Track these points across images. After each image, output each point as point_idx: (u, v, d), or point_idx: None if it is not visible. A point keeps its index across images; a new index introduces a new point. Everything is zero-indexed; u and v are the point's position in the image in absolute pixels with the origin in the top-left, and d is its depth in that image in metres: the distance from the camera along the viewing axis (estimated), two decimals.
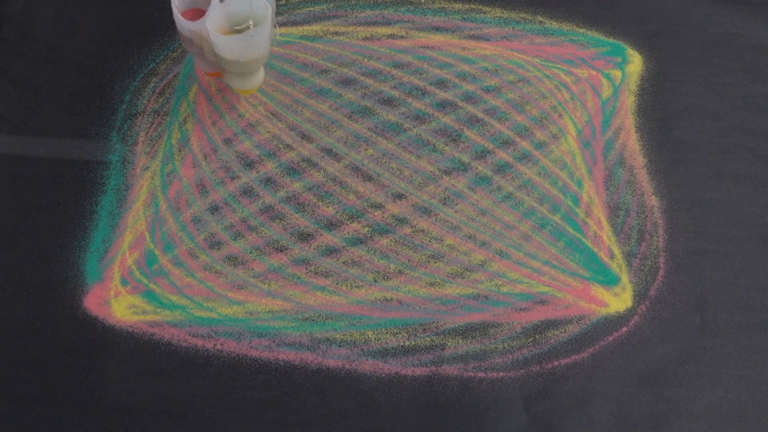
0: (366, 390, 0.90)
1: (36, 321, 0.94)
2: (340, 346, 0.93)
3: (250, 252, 0.99)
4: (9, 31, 1.16)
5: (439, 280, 0.97)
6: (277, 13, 1.19)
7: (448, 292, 0.96)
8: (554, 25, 1.17)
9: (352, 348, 0.93)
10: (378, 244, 1.00)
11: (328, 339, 0.93)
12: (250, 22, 0.95)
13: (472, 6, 1.20)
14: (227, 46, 0.97)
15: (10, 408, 0.89)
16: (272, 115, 1.10)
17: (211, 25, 0.96)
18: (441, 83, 1.12)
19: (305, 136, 1.08)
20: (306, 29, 1.18)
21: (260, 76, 1.07)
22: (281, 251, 0.99)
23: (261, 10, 0.97)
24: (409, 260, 0.99)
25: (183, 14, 1.01)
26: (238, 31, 0.98)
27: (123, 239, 1.00)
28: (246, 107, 1.10)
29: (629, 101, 1.11)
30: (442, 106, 1.11)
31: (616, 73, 1.13)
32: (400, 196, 1.03)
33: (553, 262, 0.98)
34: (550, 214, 1.02)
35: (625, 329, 0.94)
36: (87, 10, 1.19)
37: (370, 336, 0.93)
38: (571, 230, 1.01)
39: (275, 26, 1.02)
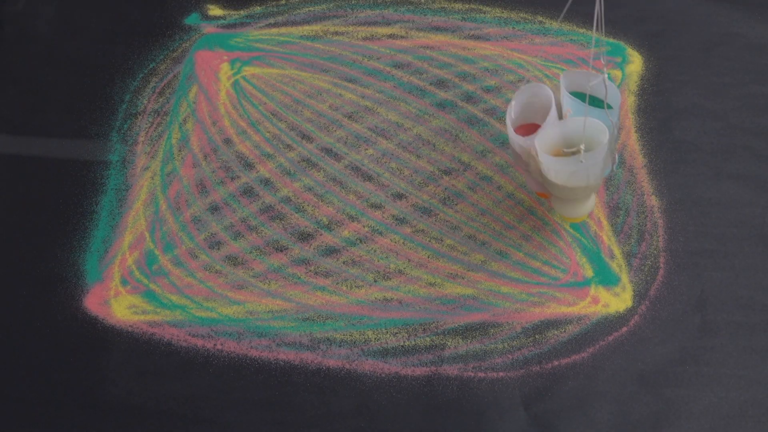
0: (366, 390, 0.90)
1: (36, 321, 0.94)
2: (340, 346, 0.93)
3: (250, 252, 0.99)
4: (9, 31, 1.16)
5: (439, 280, 0.97)
6: (278, 13, 1.19)
7: (448, 292, 0.96)
8: (554, 25, 1.17)
9: (352, 348, 0.93)
10: (378, 244, 1.00)
11: (328, 339, 0.93)
12: (582, 146, 0.86)
13: (472, 6, 1.20)
14: (554, 168, 0.87)
15: (11, 408, 0.89)
16: (272, 115, 1.10)
17: (541, 144, 0.87)
18: (441, 83, 1.12)
19: (305, 136, 1.08)
20: (306, 29, 1.18)
21: (590, 204, 0.95)
22: (281, 251, 0.99)
23: (597, 134, 0.87)
24: (409, 260, 0.99)
25: (518, 128, 0.93)
26: (568, 154, 0.88)
27: (123, 239, 1.00)
28: (246, 107, 1.10)
29: (629, 101, 1.11)
30: (442, 106, 1.11)
31: (616, 73, 1.13)
32: (400, 196, 1.03)
33: (553, 262, 0.98)
34: (550, 213, 1.02)
35: (625, 329, 0.94)
36: (87, 10, 1.19)
37: (370, 336, 0.93)
38: (570, 230, 1.01)
39: (615, 155, 0.92)
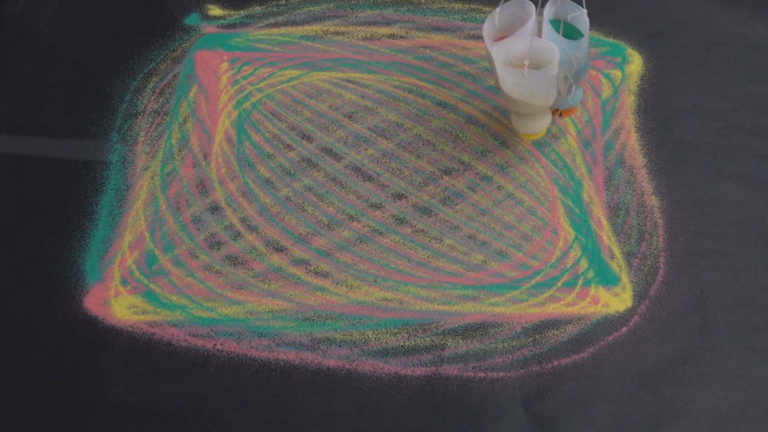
0: (366, 390, 0.90)
1: (36, 321, 0.94)
2: (340, 346, 0.93)
3: (250, 252, 0.99)
4: (9, 31, 1.16)
5: (438, 280, 0.97)
6: (278, 13, 1.19)
7: (448, 292, 0.96)
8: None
9: (352, 348, 0.93)
10: (378, 244, 1.00)
11: (328, 339, 0.93)
12: (526, 62, 0.91)
13: (472, 6, 1.20)
14: (501, 76, 0.93)
15: (11, 408, 0.89)
16: (272, 115, 1.10)
17: (501, 53, 0.92)
18: (441, 83, 1.12)
19: (305, 136, 1.08)
20: (306, 29, 1.18)
21: (540, 124, 1.00)
22: (281, 251, 0.99)
23: (548, 56, 0.92)
24: (409, 260, 0.99)
25: (497, 39, 0.96)
26: (513, 66, 0.93)
27: (123, 239, 1.00)
28: (246, 107, 1.10)
29: (629, 101, 1.11)
30: (442, 106, 1.11)
31: (616, 73, 1.13)
32: (400, 196, 1.03)
33: (553, 262, 0.98)
34: (550, 213, 1.02)
35: (625, 329, 0.94)
36: (87, 10, 1.19)
37: (370, 336, 0.93)
38: (572, 230, 1.01)
39: (574, 87, 0.97)
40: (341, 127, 1.09)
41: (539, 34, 0.95)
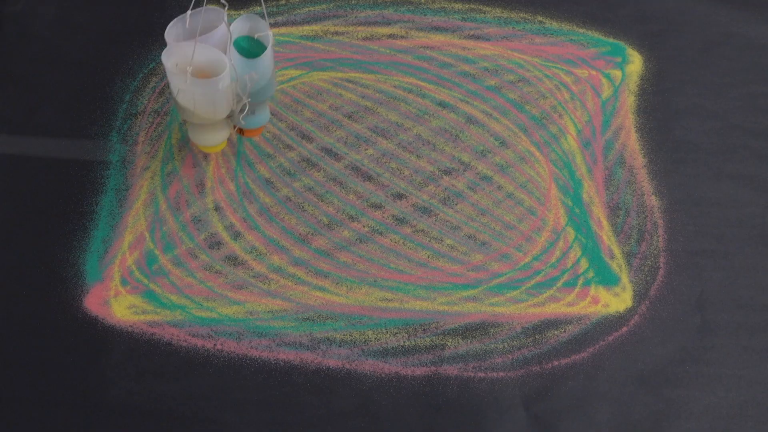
0: (366, 390, 0.90)
1: (36, 321, 0.94)
2: (340, 346, 0.93)
3: (250, 252, 0.99)
4: (9, 31, 1.16)
5: (438, 280, 0.97)
6: (278, 13, 1.19)
7: (448, 292, 0.96)
8: (554, 25, 1.17)
9: (352, 348, 0.93)
10: (378, 244, 1.00)
11: (328, 339, 0.93)
12: (189, 68, 0.88)
13: (472, 6, 1.20)
14: (169, 79, 0.91)
15: (11, 408, 0.89)
16: (272, 115, 1.10)
17: (170, 54, 0.90)
18: (441, 83, 1.12)
19: (305, 136, 1.08)
20: (306, 29, 1.18)
21: (213, 138, 0.98)
22: (281, 251, 0.99)
23: (217, 67, 0.90)
24: (409, 260, 0.99)
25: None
26: (177, 70, 0.91)
27: (123, 239, 1.00)
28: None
29: (629, 101, 1.11)
30: (442, 106, 1.11)
31: (616, 73, 1.13)
32: (400, 196, 1.03)
33: (553, 262, 0.98)
34: (550, 214, 1.02)
35: (625, 329, 0.94)
36: (87, 10, 1.19)
37: (370, 336, 0.93)
38: (571, 230, 1.01)
39: (242, 98, 0.93)
40: (341, 127, 1.09)
41: (228, 47, 0.91)
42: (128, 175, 1.05)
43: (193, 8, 0.91)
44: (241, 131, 1.01)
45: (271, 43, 0.91)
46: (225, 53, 0.90)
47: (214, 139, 0.98)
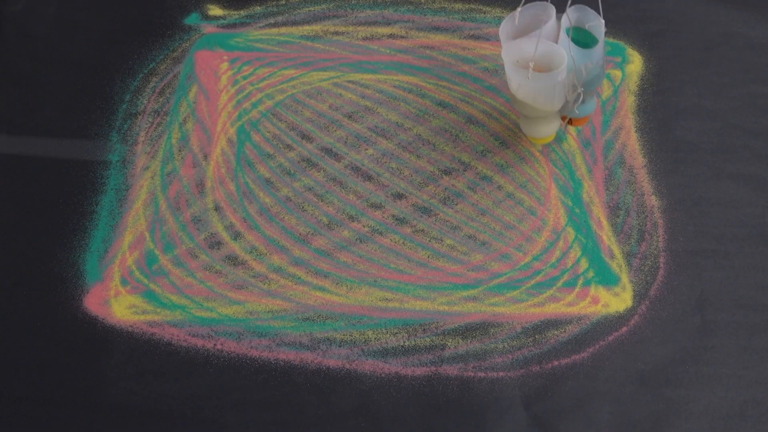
0: (366, 390, 0.90)
1: (36, 321, 0.94)
2: (340, 346, 0.93)
3: (250, 252, 0.99)
4: (9, 31, 1.16)
5: (438, 280, 0.97)
6: (278, 13, 1.19)
7: (448, 292, 0.96)
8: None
9: (352, 348, 0.93)
10: (378, 244, 1.00)
11: (328, 339, 0.93)
12: (531, 64, 0.91)
13: (472, 6, 1.20)
14: (508, 75, 0.93)
15: (11, 408, 0.89)
16: (272, 115, 1.10)
17: (511, 52, 0.92)
18: (441, 83, 1.12)
19: (305, 136, 1.08)
20: (306, 29, 1.18)
21: (547, 128, 1.01)
22: (281, 251, 0.99)
23: (556, 61, 0.92)
24: (409, 260, 0.99)
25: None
26: (519, 66, 0.93)
27: (123, 239, 1.00)
28: (246, 108, 1.10)
29: (629, 101, 1.11)
30: (442, 106, 1.11)
31: (616, 73, 1.13)
32: (400, 196, 1.03)
33: (553, 262, 0.98)
34: (550, 214, 1.02)
35: (625, 329, 0.94)
36: (87, 10, 1.19)
37: (370, 336, 0.93)
38: (571, 230, 1.01)
39: (582, 94, 0.95)
40: (341, 127, 1.09)
41: (557, 39, 0.94)
42: (128, 175, 1.05)
43: (524, 4, 0.94)
44: (570, 121, 1.02)
45: (603, 32, 0.94)
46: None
47: (547, 131, 1.01)
